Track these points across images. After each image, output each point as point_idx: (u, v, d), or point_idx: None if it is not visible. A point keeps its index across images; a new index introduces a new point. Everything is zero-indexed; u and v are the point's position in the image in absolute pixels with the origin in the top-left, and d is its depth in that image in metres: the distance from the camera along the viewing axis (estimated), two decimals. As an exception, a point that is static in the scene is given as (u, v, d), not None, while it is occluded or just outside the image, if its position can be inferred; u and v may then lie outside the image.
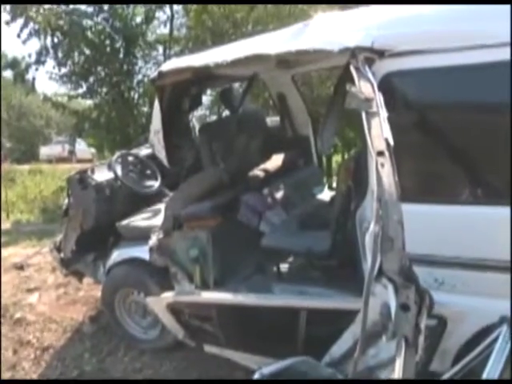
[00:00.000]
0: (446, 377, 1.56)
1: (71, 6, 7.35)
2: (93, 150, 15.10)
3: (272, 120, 3.92)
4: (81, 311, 3.67)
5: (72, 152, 18.29)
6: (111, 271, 3.08)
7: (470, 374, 1.53)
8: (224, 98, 3.45)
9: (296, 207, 3.10)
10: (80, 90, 7.73)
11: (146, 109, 7.83)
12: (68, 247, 3.24)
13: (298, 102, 3.58)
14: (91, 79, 7.71)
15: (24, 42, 7.14)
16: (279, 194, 3.10)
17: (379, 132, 1.52)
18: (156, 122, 2.69)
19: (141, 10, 7.89)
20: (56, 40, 7.41)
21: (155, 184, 3.44)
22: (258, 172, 3.15)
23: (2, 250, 5.25)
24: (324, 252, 2.34)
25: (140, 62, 8.02)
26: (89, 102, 8.44)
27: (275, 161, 3.35)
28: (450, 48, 1.76)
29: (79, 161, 17.23)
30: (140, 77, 7.96)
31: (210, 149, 3.00)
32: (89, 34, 7.53)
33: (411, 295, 1.32)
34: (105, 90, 7.73)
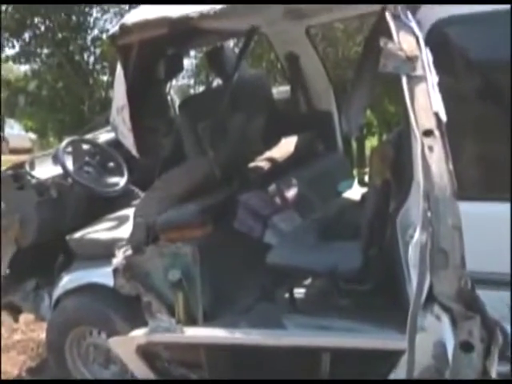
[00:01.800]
0: None
1: None
2: (32, 136, 14.75)
3: (280, 91, 3.92)
4: (17, 362, 3.62)
5: (2, 139, 18.28)
6: (60, 303, 3.09)
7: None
8: (213, 62, 3.47)
9: (314, 210, 3.12)
10: (11, 51, 7.41)
11: (105, 77, 7.69)
12: (-2, 271, 3.28)
13: (316, 66, 3.59)
14: (26, 35, 7.31)
15: None
16: (291, 193, 3.12)
17: (426, 104, 1.52)
18: (119, 96, 2.70)
19: None
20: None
21: (120, 181, 3.45)
22: (261, 163, 3.16)
23: None
24: (353, 271, 2.35)
25: (95, 12, 7.75)
26: (24, 68, 8.06)
27: (285, 147, 3.36)
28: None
29: (13, 151, 17.13)
30: (96, 32, 7.75)
31: (195, 132, 3.02)
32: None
33: (475, 329, 1.30)
34: (46, 51, 7.40)
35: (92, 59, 7.87)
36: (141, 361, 2.68)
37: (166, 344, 2.56)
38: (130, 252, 2.67)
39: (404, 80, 1.59)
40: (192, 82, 8.56)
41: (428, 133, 1.46)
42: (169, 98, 3.43)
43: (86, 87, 7.75)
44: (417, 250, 1.45)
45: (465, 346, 1.27)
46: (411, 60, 1.59)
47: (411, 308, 1.37)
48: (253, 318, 2.53)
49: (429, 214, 1.38)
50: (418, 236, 1.47)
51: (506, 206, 1.89)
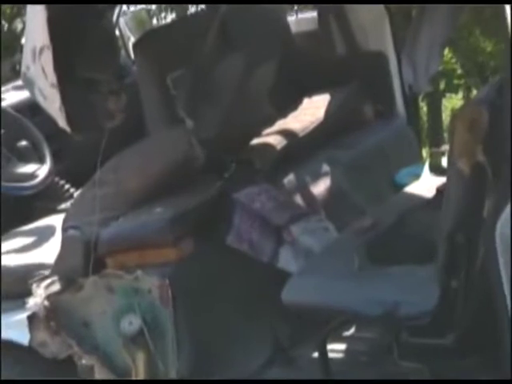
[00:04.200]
0: None
1: None
2: None
3: (301, 20, 3.98)
4: None
5: None
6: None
7: None
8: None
9: (358, 215, 3.07)
10: None
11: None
12: None
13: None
14: None
15: None
16: (320, 187, 3.16)
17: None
18: (36, 32, 2.71)
19: None
20: None
21: (39, 171, 3.49)
22: (270, 137, 3.19)
23: None
24: (424, 315, 2.29)
25: None
26: None
27: (309, 111, 3.40)
28: None
29: None
30: None
31: (162, 87, 3.09)
32: None
33: None
34: None
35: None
36: None
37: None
38: (56, 287, 2.68)
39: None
40: (154, 6, 8.61)
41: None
42: (117, 32, 3.43)
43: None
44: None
45: None
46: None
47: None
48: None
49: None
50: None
51: None
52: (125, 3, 8.31)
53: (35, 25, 2.72)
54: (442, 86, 7.10)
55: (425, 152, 4.13)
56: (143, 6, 9.10)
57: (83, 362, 2.63)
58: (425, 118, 6.67)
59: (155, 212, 2.78)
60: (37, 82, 2.75)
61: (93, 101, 2.87)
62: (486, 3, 1.88)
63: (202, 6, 3.74)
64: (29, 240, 3.24)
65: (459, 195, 2.27)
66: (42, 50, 2.66)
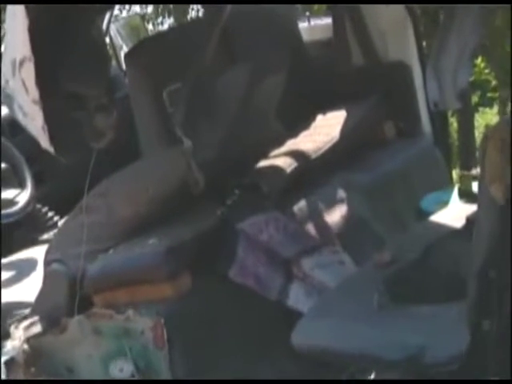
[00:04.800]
0: None
1: None
2: None
3: (314, 27, 3.99)
4: None
5: None
6: None
7: None
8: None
9: (378, 247, 3.05)
10: None
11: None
12: None
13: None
14: None
15: None
16: (335, 215, 3.15)
17: None
18: (17, 42, 2.72)
19: None
20: None
21: (19, 197, 3.48)
22: (280, 159, 3.18)
23: None
24: (453, 360, 2.27)
25: None
26: None
27: (324, 129, 3.39)
28: None
29: None
30: None
31: (158, 102, 3.09)
32: None
33: None
34: None
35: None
36: None
37: None
38: (37, 328, 2.68)
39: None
40: (150, 9, 8.67)
41: None
42: (107, 40, 3.44)
43: None
44: None
45: None
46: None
47: None
48: None
49: None
50: None
51: None
52: (126, 3, 8.35)
53: (15, 33, 2.73)
54: (474, 99, 7.07)
55: (455, 175, 4.10)
56: (137, 10, 9.13)
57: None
58: (455, 135, 6.64)
59: (149, 243, 2.78)
60: (17, 97, 2.76)
61: (79, 118, 2.87)
62: (485, 3, 1.88)
63: (203, 10, 3.71)
64: (7, 275, 3.23)
65: (492, 225, 2.25)
66: (22, 61, 2.67)
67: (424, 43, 4.06)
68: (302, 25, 3.95)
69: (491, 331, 2.26)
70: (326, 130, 3.41)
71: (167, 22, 9.04)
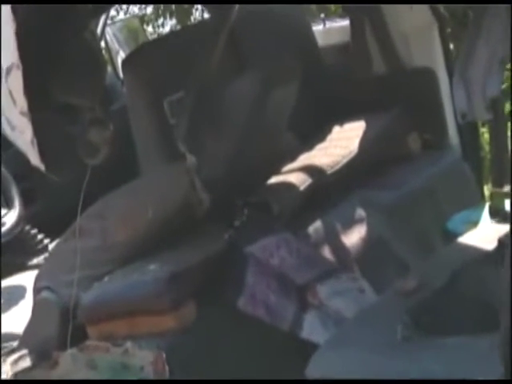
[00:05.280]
0: None
1: None
2: None
3: (329, 30, 4.02)
4: None
5: None
6: None
7: None
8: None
9: (402, 270, 3.09)
10: None
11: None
12: None
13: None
14: None
15: None
16: (354, 237, 3.13)
17: None
18: (2, 47, 2.69)
19: None
20: None
21: (7, 218, 3.47)
22: (291, 176, 3.18)
23: None
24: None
25: None
26: None
27: (340, 142, 3.40)
28: None
29: None
30: None
31: (158, 113, 3.09)
32: None
33: None
34: None
35: None
36: None
37: None
38: (26, 362, 2.66)
39: None
40: (150, 9, 8.71)
41: None
42: (103, 45, 3.43)
43: None
44: None
45: None
46: None
47: None
48: None
49: None
50: None
51: None
52: (127, 3, 8.36)
53: (1, 39, 2.72)
54: (508, 108, 7.04)
55: (486, 192, 4.08)
56: (135, 11, 9.09)
57: None
58: (486, 147, 6.62)
59: (149, 270, 2.77)
60: (3, 109, 2.75)
61: (72, 132, 2.88)
62: (486, 3, 1.89)
63: (208, 11, 3.72)
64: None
65: (527, 248, 2.25)
66: (9, 70, 2.66)
67: (451, 46, 4.06)
68: (317, 27, 3.97)
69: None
70: (343, 142, 3.41)
71: (168, 24, 9.03)
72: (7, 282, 3.37)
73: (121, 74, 3.49)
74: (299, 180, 3.19)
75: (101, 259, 2.85)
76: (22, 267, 3.37)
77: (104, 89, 3.27)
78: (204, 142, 3.02)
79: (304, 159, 3.33)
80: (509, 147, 6.80)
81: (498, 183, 5.49)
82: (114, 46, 3.89)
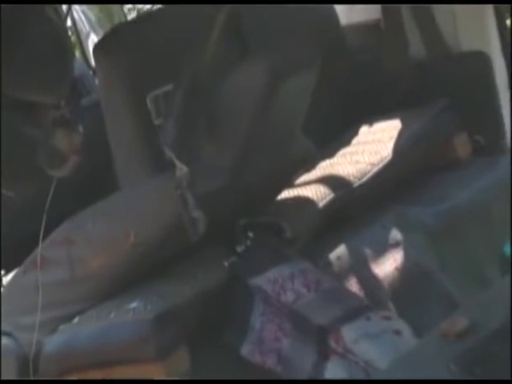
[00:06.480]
0: None
1: None
2: None
3: (355, 6, 3.99)
4: None
5: None
6: None
7: None
8: None
9: (448, 307, 3.06)
10: None
11: None
12: None
13: None
14: None
15: None
16: (386, 264, 3.14)
17: None
18: None
19: None
20: None
21: None
22: (307, 189, 3.20)
23: None
24: None
25: None
26: None
27: (369, 145, 3.43)
28: None
29: None
30: None
31: (140, 113, 3.13)
32: None
33: None
34: None
35: None
36: None
37: None
38: None
39: None
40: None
41: None
42: (69, 27, 3.47)
43: None
44: None
45: None
46: None
47: None
48: None
49: None
50: None
51: None
52: (127, 3, 8.52)
53: None
54: None
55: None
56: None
57: None
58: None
59: (130, 309, 2.77)
60: None
61: (32, 136, 2.88)
62: (485, 3, 1.91)
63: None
64: None
65: None
66: None
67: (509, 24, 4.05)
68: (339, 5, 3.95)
69: None
70: (372, 147, 3.42)
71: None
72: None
73: (92, 62, 3.48)
74: (318, 195, 3.19)
75: (69, 296, 2.85)
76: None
77: (71, 81, 3.26)
78: (197, 147, 3.02)
79: (324, 169, 3.34)
80: None
81: None
82: (84, 26, 3.87)
